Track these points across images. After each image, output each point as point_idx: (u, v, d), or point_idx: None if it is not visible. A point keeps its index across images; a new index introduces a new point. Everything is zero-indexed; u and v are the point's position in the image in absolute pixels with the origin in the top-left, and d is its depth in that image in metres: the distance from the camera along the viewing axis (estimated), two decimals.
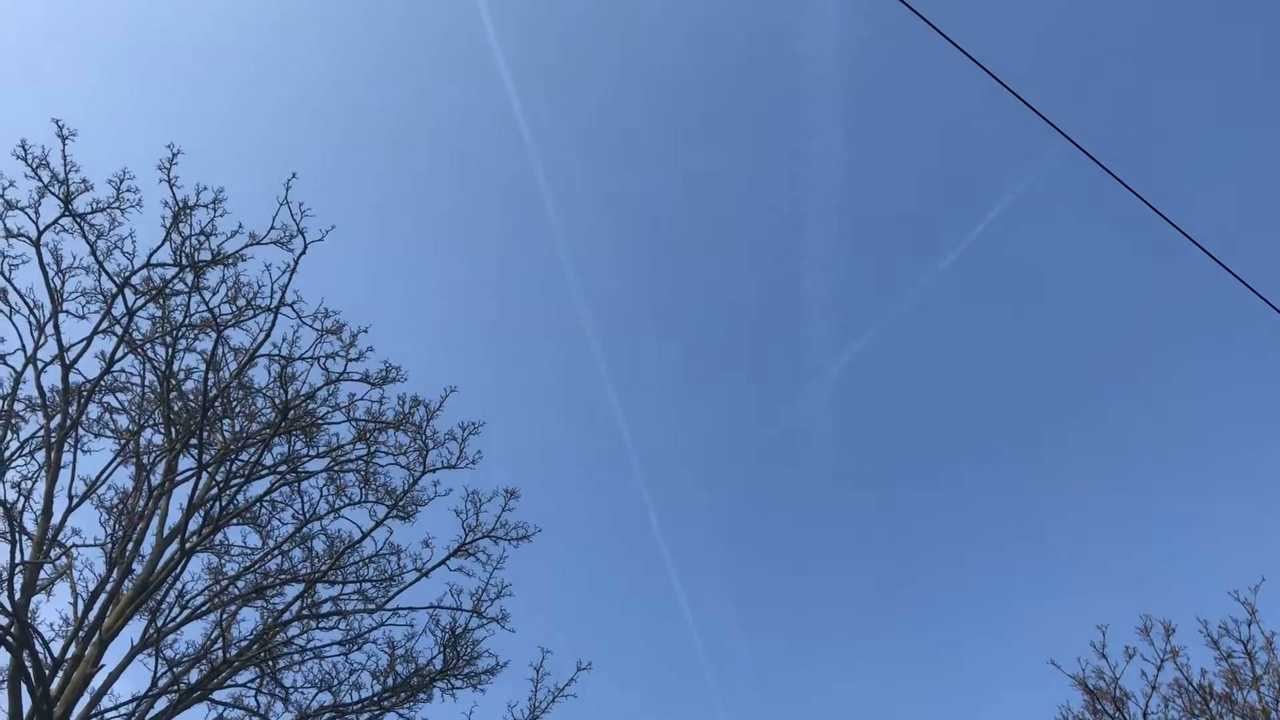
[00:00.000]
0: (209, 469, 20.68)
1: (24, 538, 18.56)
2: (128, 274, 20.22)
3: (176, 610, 20.14)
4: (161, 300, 20.79)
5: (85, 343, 20.22)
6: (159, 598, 20.05)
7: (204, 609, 20.37)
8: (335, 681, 21.29)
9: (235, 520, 21.10)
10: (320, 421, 21.70)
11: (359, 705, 20.85)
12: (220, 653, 19.82)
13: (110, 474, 20.68)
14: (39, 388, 19.95)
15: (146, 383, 21.56)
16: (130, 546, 19.45)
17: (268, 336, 20.92)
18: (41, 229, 19.73)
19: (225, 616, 20.80)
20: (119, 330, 20.47)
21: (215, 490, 20.50)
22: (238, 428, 21.73)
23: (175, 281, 20.51)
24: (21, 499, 19.41)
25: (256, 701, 20.64)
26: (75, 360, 20.04)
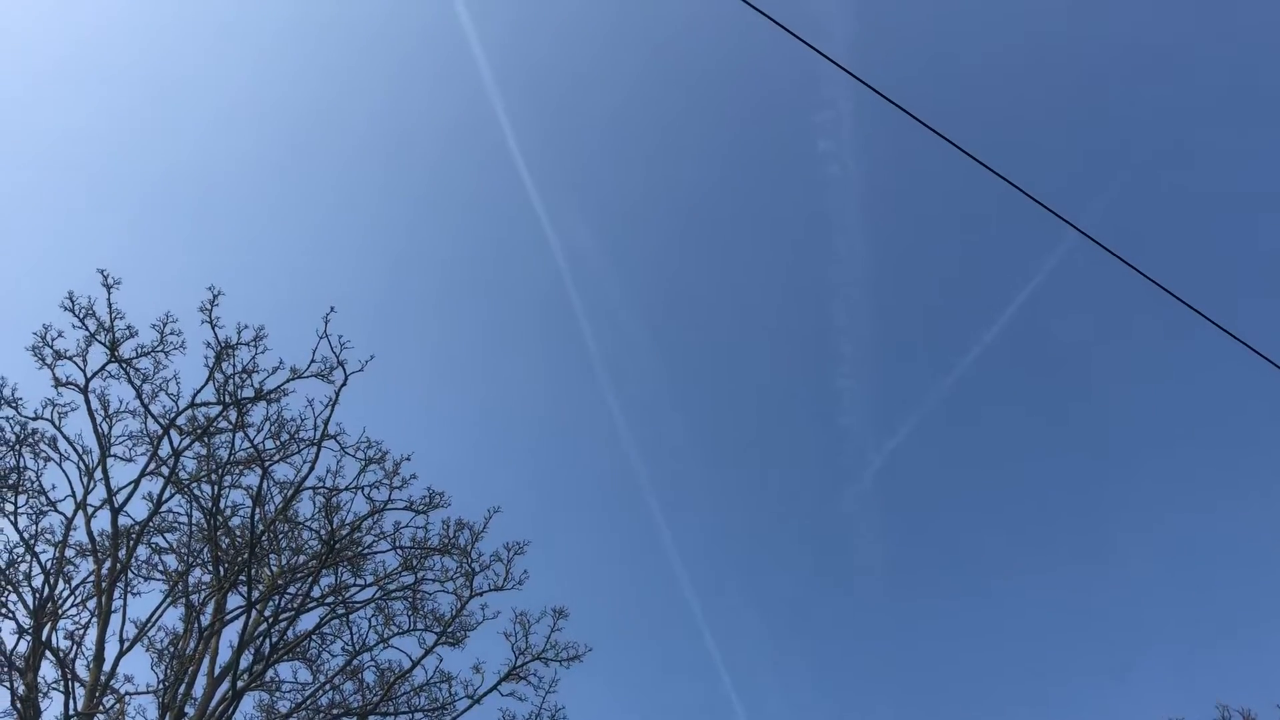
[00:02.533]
0: (257, 606, 20.64)
1: (77, 686, 18.54)
2: (173, 415, 20.55)
3: None
4: (206, 439, 21.04)
5: (133, 485, 20.45)
6: None
7: None
8: None
9: (286, 656, 20.97)
10: (366, 551, 21.69)
11: None
12: None
13: (160, 616, 20.70)
14: (89, 533, 20.13)
15: (194, 521, 21.71)
16: (182, 690, 19.34)
17: (312, 469, 21.10)
18: (89, 376, 20.16)
19: None
20: (166, 471, 20.70)
21: (265, 626, 20.44)
22: (285, 562, 21.74)
23: (219, 420, 20.80)
24: (74, 647, 19.44)
25: None
26: (124, 504, 20.24)
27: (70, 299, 19.76)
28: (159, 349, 20.39)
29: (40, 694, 18.26)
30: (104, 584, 19.53)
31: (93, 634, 19.45)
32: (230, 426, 20.82)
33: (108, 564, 20.02)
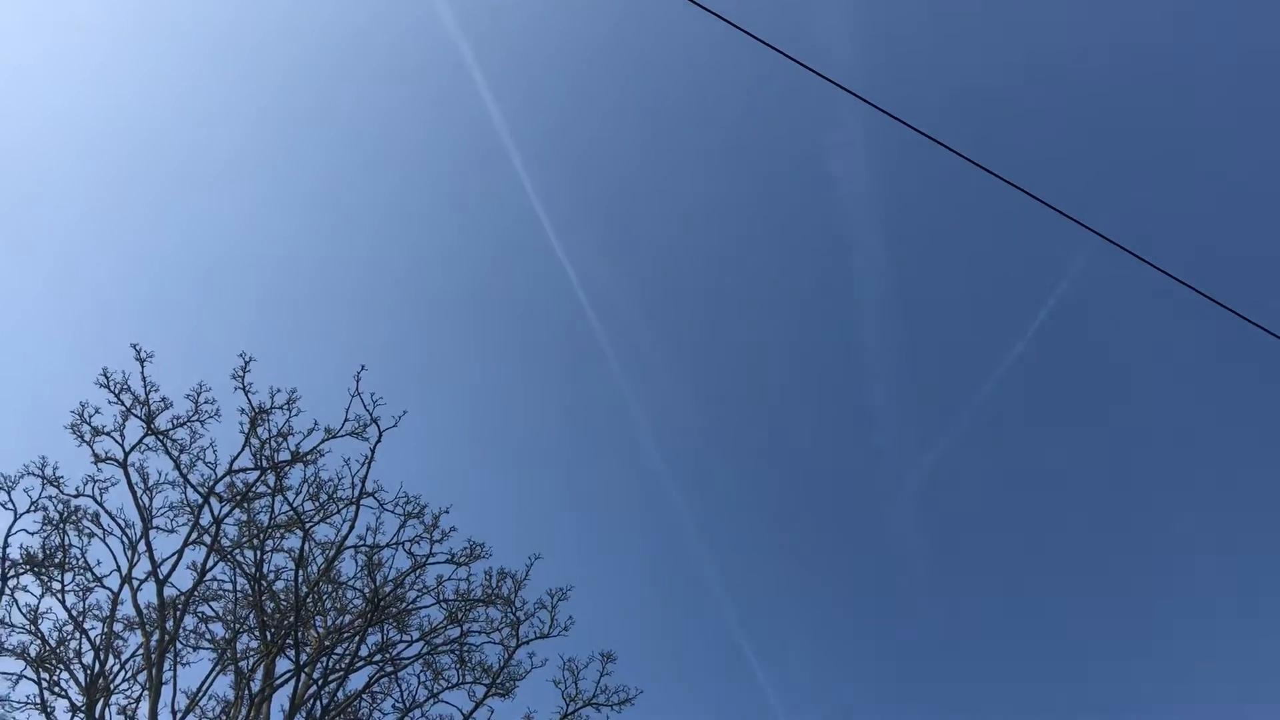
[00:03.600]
0: (306, 668, 20.62)
1: None
2: (212, 483, 20.67)
3: None
4: (246, 505, 21.14)
5: (177, 555, 20.56)
6: None
7: None
8: None
9: (337, 717, 20.91)
10: (411, 607, 21.67)
11: None
12: None
13: (210, 684, 20.72)
14: (136, 606, 20.22)
15: (238, 587, 21.77)
16: None
17: (352, 528, 21.13)
18: (128, 451, 20.33)
19: None
20: (208, 539, 20.80)
21: (315, 688, 20.41)
22: (331, 622, 21.75)
23: (258, 485, 20.91)
24: None
25: None
26: (169, 575, 20.35)
27: (105, 375, 20.01)
28: (194, 419, 20.58)
29: None
30: (153, 656, 19.59)
31: (145, 707, 19.50)
32: (269, 491, 20.93)
33: (156, 636, 20.10)
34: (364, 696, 21.36)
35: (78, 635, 20.18)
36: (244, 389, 20.68)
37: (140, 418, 20.21)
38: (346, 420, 21.07)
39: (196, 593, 20.99)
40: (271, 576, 21.55)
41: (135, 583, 20.46)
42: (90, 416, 20.07)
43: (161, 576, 20.19)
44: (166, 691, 19.37)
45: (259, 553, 20.92)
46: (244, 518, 21.43)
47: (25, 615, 20.24)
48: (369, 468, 21.00)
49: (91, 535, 20.59)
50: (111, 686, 19.61)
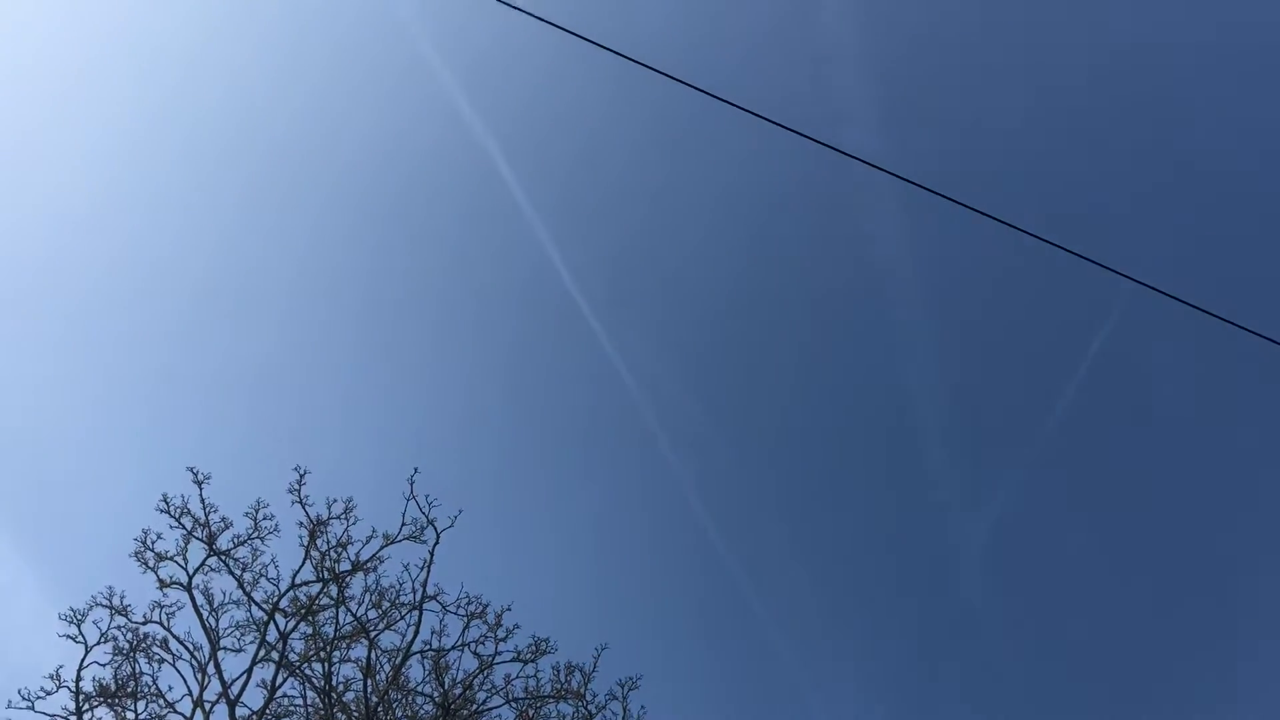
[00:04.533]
0: None
1: None
2: (276, 599, 20.81)
3: None
4: (311, 618, 21.20)
5: (246, 675, 20.58)
6: None
7: None
8: None
9: None
10: (481, 709, 21.47)
11: None
12: None
13: None
14: None
15: (309, 702, 21.70)
16: None
17: (417, 633, 21.12)
18: (191, 574, 20.55)
19: None
20: (276, 656, 20.83)
21: None
22: None
23: (321, 597, 20.99)
24: None
25: None
26: (239, 694, 20.34)
27: (165, 501, 20.34)
28: (254, 536, 20.80)
29: None
30: None
31: None
32: (332, 602, 21.01)
33: None
34: None
35: None
36: (301, 503, 20.97)
37: (202, 540, 20.47)
38: (404, 525, 21.28)
39: (268, 711, 20.96)
40: (341, 688, 21.50)
41: (207, 705, 20.47)
42: (153, 543, 20.36)
43: (233, 697, 20.21)
44: None
45: (327, 665, 20.92)
46: (310, 631, 21.48)
47: None
48: (429, 571, 21.10)
49: (161, 661, 20.69)
50: None
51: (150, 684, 20.58)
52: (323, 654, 21.11)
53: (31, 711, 19.09)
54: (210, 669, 20.57)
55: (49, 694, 19.30)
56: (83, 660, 19.94)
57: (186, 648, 20.72)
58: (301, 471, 20.78)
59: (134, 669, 20.49)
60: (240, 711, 20.40)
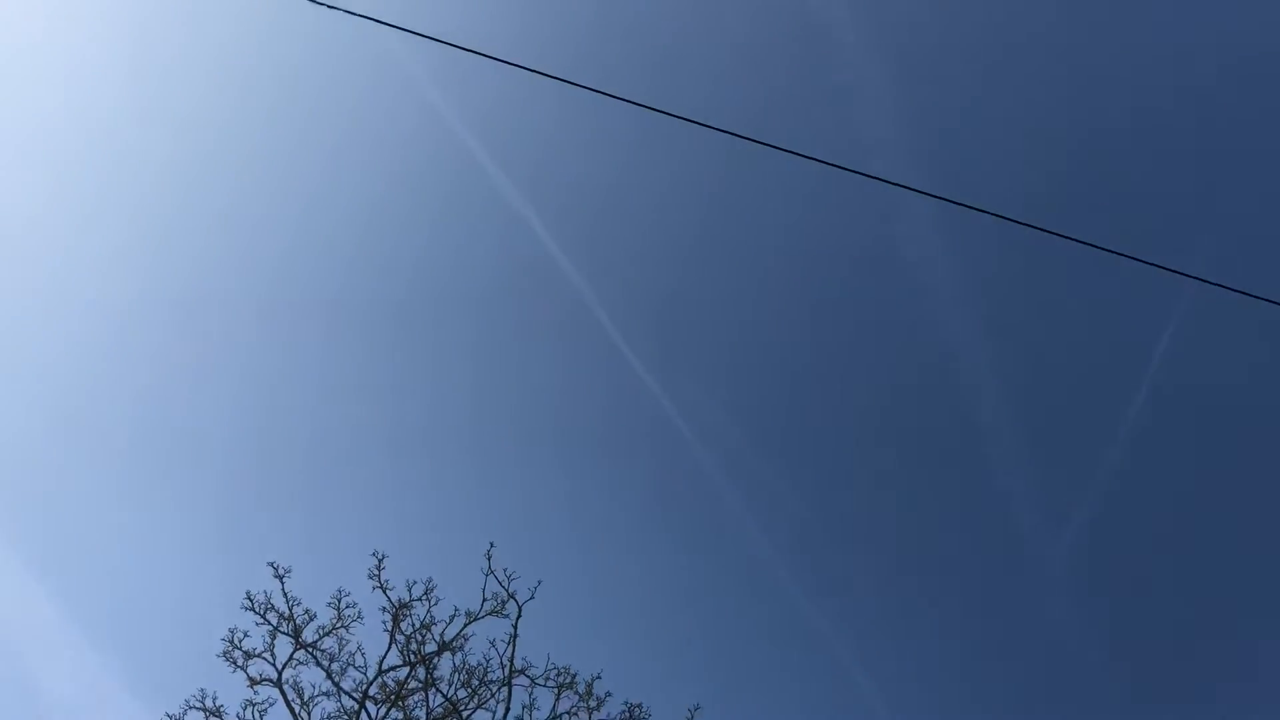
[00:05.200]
0: None
1: None
2: (365, 687, 20.74)
3: None
4: (401, 703, 21.10)
5: None
6: None
7: None
8: None
9: None
10: None
11: None
12: None
13: None
14: None
15: None
16: None
17: (508, 710, 20.92)
18: (280, 669, 20.57)
19: None
20: None
21: None
22: None
23: (409, 681, 20.92)
24: None
25: None
26: None
27: (249, 598, 20.46)
28: (339, 625, 20.82)
29: None
30: None
31: None
32: (421, 685, 20.92)
33: None
34: None
35: None
36: (382, 587, 21.00)
37: (288, 634, 20.53)
38: (485, 601, 21.21)
39: None
40: None
41: None
42: (240, 641, 20.44)
43: None
44: None
45: None
46: (401, 716, 21.37)
47: None
48: (514, 645, 20.95)
49: None
50: None
51: None
52: None
53: None
54: None
55: None
56: None
57: None
58: (380, 556, 20.85)
59: None
60: None
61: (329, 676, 20.72)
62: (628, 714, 21.29)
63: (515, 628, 20.99)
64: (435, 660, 20.90)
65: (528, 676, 20.96)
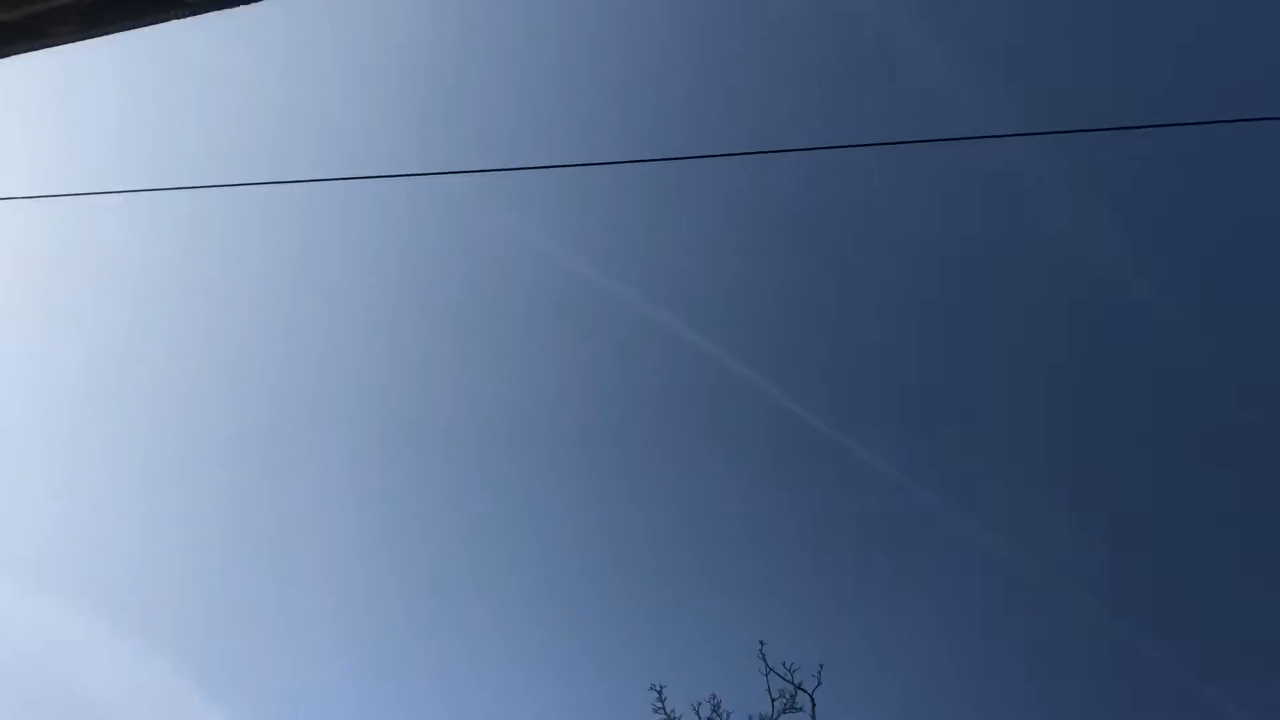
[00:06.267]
0: None
1: None
2: None
3: None
4: None
5: None
6: None
7: None
8: None
9: None
10: None
11: None
12: None
13: None
14: None
15: None
16: None
17: None
18: None
19: None
20: None
21: None
22: None
23: None
24: None
25: None
26: None
27: None
28: None
29: None
30: None
31: None
32: None
33: None
34: None
35: None
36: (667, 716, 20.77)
37: None
38: (774, 700, 20.73)
39: None
40: None
41: None
42: None
43: None
44: None
45: None
46: None
47: None
48: None
49: None
50: None
51: None
52: None
53: None
54: None
55: None
56: None
57: None
58: (659, 688, 20.67)
59: None
60: None
61: None
62: None
63: (814, 717, 20.41)
64: None
65: None
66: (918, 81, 24.79)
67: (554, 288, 28.31)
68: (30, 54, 6.06)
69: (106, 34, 6.03)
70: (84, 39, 6.07)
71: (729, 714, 20.72)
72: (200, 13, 5.53)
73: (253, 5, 5.37)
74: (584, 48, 27.12)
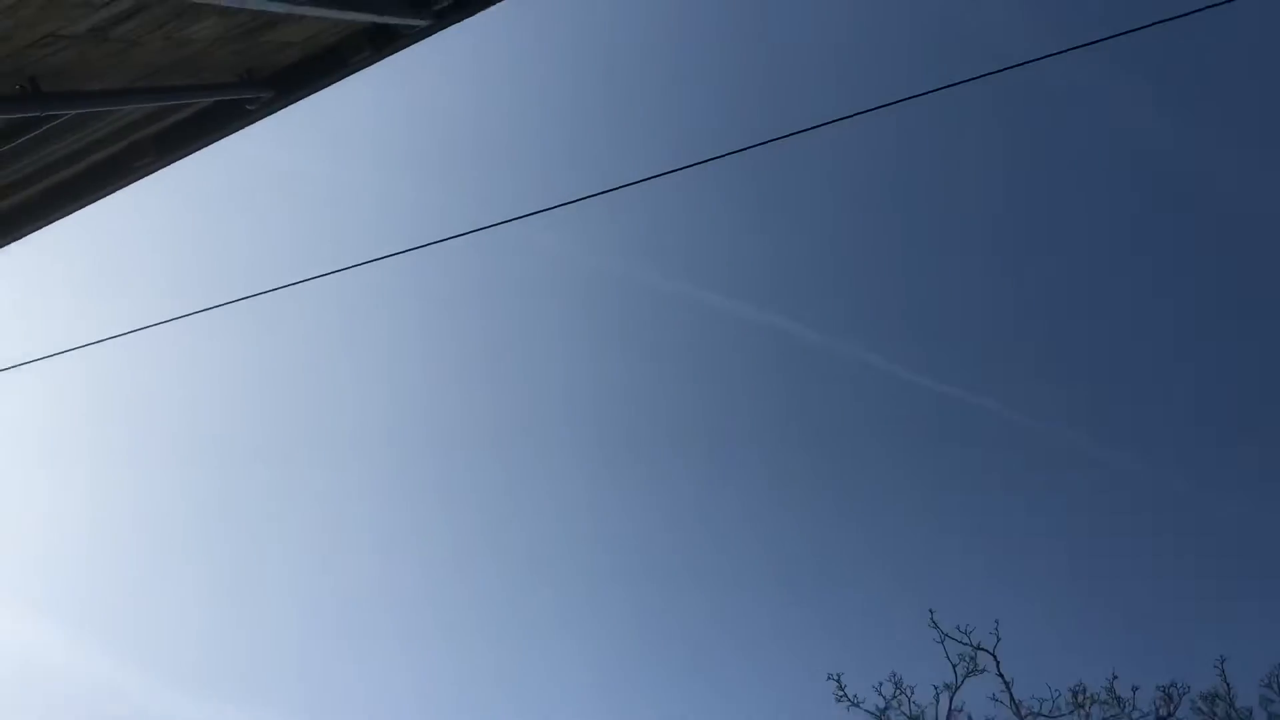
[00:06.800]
0: None
1: None
2: None
3: None
4: None
5: None
6: None
7: None
8: None
9: None
10: None
11: None
12: None
13: None
14: None
15: None
16: None
17: None
18: None
19: None
20: None
21: None
22: None
23: None
24: None
25: None
26: None
27: None
28: None
29: None
30: None
31: None
32: None
33: None
34: None
35: None
36: (853, 703, 20.28)
37: None
38: (955, 665, 20.15)
39: None
40: None
41: None
42: None
43: None
44: None
45: None
46: None
47: None
48: (1011, 689, 19.75)
49: None
50: None
51: None
52: None
53: None
54: None
55: None
56: None
57: None
58: (837, 676, 20.23)
59: None
60: None
61: None
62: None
63: (1002, 675, 19.74)
64: None
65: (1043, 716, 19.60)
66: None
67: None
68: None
69: (182, 157, 6.00)
70: (162, 168, 6.05)
71: (912, 688, 20.15)
72: (270, 113, 5.46)
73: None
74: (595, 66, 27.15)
